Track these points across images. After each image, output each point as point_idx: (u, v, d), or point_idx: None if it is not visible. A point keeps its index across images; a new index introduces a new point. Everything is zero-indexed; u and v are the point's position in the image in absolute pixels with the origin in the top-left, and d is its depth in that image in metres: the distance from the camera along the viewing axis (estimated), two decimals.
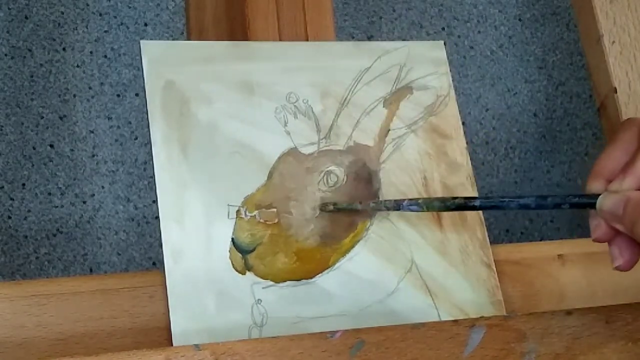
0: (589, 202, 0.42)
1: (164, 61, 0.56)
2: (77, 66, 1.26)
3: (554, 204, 0.43)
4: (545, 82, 1.42)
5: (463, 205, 0.49)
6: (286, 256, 0.53)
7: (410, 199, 0.52)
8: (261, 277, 0.52)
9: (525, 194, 0.47)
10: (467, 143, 0.61)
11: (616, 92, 0.67)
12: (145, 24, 1.31)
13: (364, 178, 0.57)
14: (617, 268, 0.42)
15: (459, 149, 0.60)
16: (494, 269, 0.57)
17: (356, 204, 0.55)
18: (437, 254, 0.57)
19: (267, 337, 0.46)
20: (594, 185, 0.43)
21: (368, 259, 0.55)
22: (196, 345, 0.44)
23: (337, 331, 0.46)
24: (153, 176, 0.53)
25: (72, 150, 1.22)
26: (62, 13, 1.28)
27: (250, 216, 0.53)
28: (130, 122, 1.25)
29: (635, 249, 0.41)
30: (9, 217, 1.17)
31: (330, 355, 0.45)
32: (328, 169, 0.56)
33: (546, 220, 1.33)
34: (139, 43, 0.56)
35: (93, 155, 1.23)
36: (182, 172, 0.53)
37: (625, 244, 0.42)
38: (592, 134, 1.38)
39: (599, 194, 0.42)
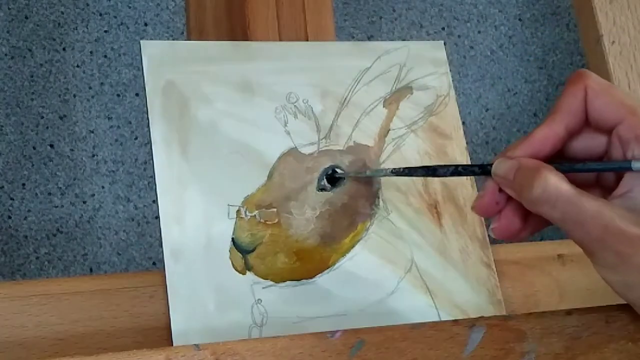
0: (483, 171, 0.44)
1: (164, 61, 0.56)
2: (77, 66, 1.26)
3: (453, 171, 0.47)
4: (545, 82, 1.42)
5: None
6: (286, 256, 0.53)
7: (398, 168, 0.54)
8: (261, 277, 0.52)
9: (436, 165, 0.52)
10: (467, 143, 0.61)
11: None
12: (145, 24, 1.32)
13: (364, 178, 0.57)
14: (492, 230, 0.44)
15: (459, 149, 0.60)
16: (494, 269, 0.57)
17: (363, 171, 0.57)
18: (437, 254, 0.57)
19: (267, 337, 0.46)
20: (495, 158, 0.45)
21: (368, 259, 0.55)
22: (196, 345, 0.44)
23: (337, 331, 0.46)
24: (153, 176, 0.53)
25: (72, 150, 1.22)
26: (62, 13, 1.28)
27: (251, 216, 0.53)
28: (130, 122, 1.25)
29: (513, 223, 0.43)
30: (9, 217, 1.18)
31: (330, 355, 0.45)
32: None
33: None
34: (139, 43, 0.56)
35: (93, 155, 1.23)
36: (182, 172, 0.53)
37: (505, 216, 0.44)
38: None
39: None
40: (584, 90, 0.42)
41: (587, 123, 0.43)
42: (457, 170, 0.47)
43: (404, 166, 0.55)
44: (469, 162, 0.60)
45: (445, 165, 0.48)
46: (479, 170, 0.45)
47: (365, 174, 0.57)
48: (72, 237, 1.19)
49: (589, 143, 0.44)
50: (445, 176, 0.55)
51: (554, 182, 0.40)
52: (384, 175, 0.56)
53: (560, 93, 0.45)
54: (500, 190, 0.43)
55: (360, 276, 0.55)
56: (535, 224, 0.44)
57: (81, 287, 0.50)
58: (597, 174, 0.45)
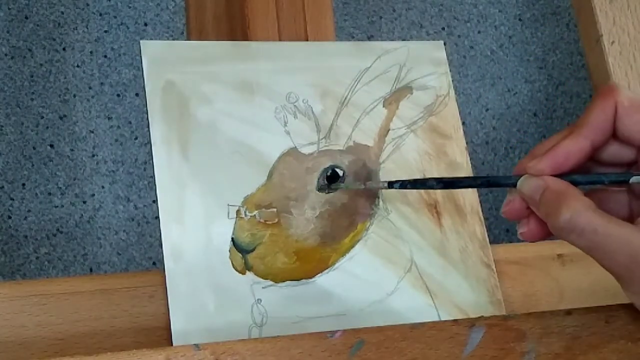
0: (509, 183, 0.44)
1: (164, 61, 0.56)
2: (77, 66, 1.26)
3: (482, 183, 0.46)
4: (545, 82, 1.42)
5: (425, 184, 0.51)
6: (286, 256, 0.53)
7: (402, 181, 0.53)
8: (261, 277, 0.52)
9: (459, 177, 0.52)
10: (467, 143, 0.61)
11: None
12: (145, 24, 1.32)
13: (364, 178, 0.57)
14: (521, 234, 0.44)
15: (458, 149, 0.60)
16: (494, 268, 0.57)
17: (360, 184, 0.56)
18: (437, 254, 0.57)
19: (267, 337, 0.46)
20: (523, 165, 0.44)
21: (368, 259, 0.55)
22: (196, 345, 0.44)
23: (337, 331, 0.46)
24: (153, 176, 0.53)
25: (72, 150, 1.22)
26: (62, 13, 1.28)
27: (250, 216, 0.53)
28: (130, 122, 1.25)
29: (541, 227, 0.43)
30: (9, 217, 1.18)
31: (330, 355, 0.45)
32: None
33: None
34: (139, 43, 0.56)
35: (93, 155, 1.23)
36: (182, 172, 0.53)
37: (533, 221, 0.43)
38: None
39: (522, 175, 0.43)
40: (614, 106, 0.42)
41: (614, 136, 0.43)
42: (481, 183, 0.47)
43: (414, 178, 0.53)
44: (469, 163, 0.60)
45: (466, 178, 0.47)
46: (505, 182, 0.45)
47: (385, 186, 0.53)
48: (72, 237, 1.19)
49: (615, 153, 0.44)
50: (465, 187, 0.54)
51: (581, 211, 0.39)
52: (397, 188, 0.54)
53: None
54: None
55: (360, 276, 0.55)
56: None
57: (81, 287, 0.50)
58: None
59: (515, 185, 0.44)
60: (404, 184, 0.51)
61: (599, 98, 0.42)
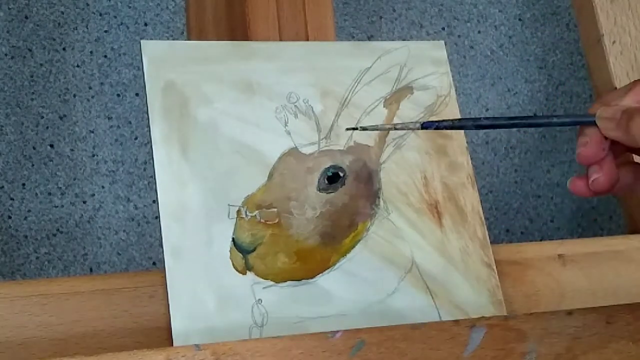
0: (585, 120, 0.44)
1: (164, 61, 0.56)
2: (77, 66, 1.26)
3: (552, 122, 0.46)
4: (545, 82, 1.42)
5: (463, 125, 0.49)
6: (287, 256, 0.53)
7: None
8: (262, 277, 0.52)
9: (520, 115, 0.50)
10: (467, 143, 0.61)
11: None
12: (145, 24, 1.31)
13: (365, 178, 0.57)
14: (593, 182, 0.45)
15: (459, 149, 0.60)
16: (494, 268, 0.57)
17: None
18: (437, 254, 0.57)
19: (268, 337, 0.46)
20: (594, 108, 0.45)
21: (368, 259, 0.55)
22: (197, 345, 0.44)
23: (337, 331, 0.46)
24: (153, 176, 0.53)
25: (72, 150, 1.22)
26: (62, 13, 1.28)
27: (251, 216, 0.53)
28: (130, 122, 1.25)
29: (614, 172, 0.44)
30: (9, 217, 1.17)
31: (330, 355, 0.45)
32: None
33: (546, 220, 1.33)
34: (139, 43, 0.56)
35: (93, 155, 1.23)
36: (182, 172, 0.53)
37: (607, 166, 0.44)
38: None
39: (594, 114, 0.44)
40: None
41: None
42: (551, 122, 0.46)
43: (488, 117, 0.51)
44: (469, 163, 0.60)
45: (538, 116, 0.47)
46: (581, 120, 0.45)
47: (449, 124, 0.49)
48: (72, 237, 1.19)
49: None
50: (539, 126, 0.53)
51: None
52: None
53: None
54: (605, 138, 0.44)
55: (360, 276, 0.55)
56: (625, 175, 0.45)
57: (81, 287, 0.50)
58: None
59: (586, 123, 0.44)
60: (443, 125, 0.49)
61: None
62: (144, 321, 0.50)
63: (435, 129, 0.48)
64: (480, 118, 0.49)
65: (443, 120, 0.48)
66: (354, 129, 0.56)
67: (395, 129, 0.54)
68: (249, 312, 0.51)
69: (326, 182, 0.56)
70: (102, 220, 1.20)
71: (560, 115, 0.46)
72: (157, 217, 0.52)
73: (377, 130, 0.56)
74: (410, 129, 0.54)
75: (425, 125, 0.48)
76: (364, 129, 0.53)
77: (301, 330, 0.51)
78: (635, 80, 0.45)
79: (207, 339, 0.49)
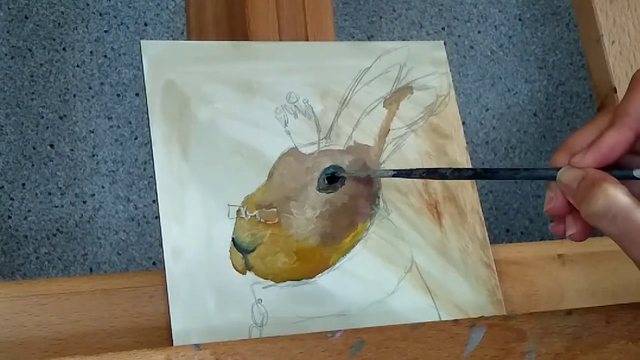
0: (548, 175, 0.44)
1: (164, 61, 0.56)
2: (77, 66, 1.26)
3: (515, 175, 0.45)
4: (545, 82, 1.42)
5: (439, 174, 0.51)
6: (286, 256, 0.53)
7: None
8: (261, 277, 0.52)
9: (496, 168, 0.49)
10: (467, 143, 0.61)
11: (616, 92, 0.67)
12: (145, 24, 1.31)
13: (364, 178, 0.57)
14: (570, 237, 0.43)
15: (459, 149, 0.60)
16: (494, 268, 0.57)
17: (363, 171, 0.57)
18: (437, 254, 0.57)
19: (268, 337, 0.46)
20: (559, 158, 0.44)
21: (368, 259, 0.55)
22: (196, 345, 0.44)
23: (337, 331, 0.46)
24: (153, 176, 0.53)
25: (72, 150, 1.22)
26: (62, 13, 1.28)
27: (251, 216, 0.53)
28: (130, 122, 1.25)
29: (587, 224, 0.42)
30: (9, 217, 1.18)
31: (330, 355, 0.45)
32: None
33: (546, 220, 1.33)
34: (139, 43, 0.56)
35: (93, 155, 1.23)
36: (182, 172, 0.53)
37: (579, 218, 0.43)
38: None
39: (560, 168, 0.43)
40: None
41: None
42: (517, 175, 0.45)
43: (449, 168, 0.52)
44: (469, 163, 0.60)
45: (508, 169, 0.45)
46: (545, 174, 0.44)
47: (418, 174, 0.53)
48: (72, 237, 1.19)
49: None
50: (503, 179, 0.53)
51: (613, 195, 0.39)
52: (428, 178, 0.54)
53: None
54: None
55: (360, 276, 0.55)
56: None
57: (81, 287, 0.50)
58: None
59: (549, 177, 0.43)
60: (411, 173, 0.50)
61: (636, 83, 0.42)
62: (144, 321, 0.50)
63: (406, 177, 0.53)
64: (448, 168, 0.51)
65: (412, 170, 0.52)
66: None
67: (370, 176, 0.57)
68: (249, 311, 0.51)
69: (326, 182, 0.56)
70: (102, 220, 1.20)
71: (526, 168, 0.45)
72: (157, 217, 0.52)
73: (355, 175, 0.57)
74: (384, 176, 0.56)
75: (395, 175, 0.53)
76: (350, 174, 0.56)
77: (301, 330, 0.51)
78: (603, 115, 0.43)
79: (207, 338, 0.49)
